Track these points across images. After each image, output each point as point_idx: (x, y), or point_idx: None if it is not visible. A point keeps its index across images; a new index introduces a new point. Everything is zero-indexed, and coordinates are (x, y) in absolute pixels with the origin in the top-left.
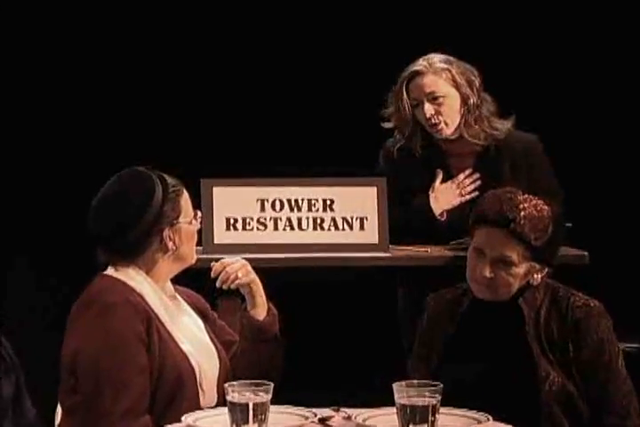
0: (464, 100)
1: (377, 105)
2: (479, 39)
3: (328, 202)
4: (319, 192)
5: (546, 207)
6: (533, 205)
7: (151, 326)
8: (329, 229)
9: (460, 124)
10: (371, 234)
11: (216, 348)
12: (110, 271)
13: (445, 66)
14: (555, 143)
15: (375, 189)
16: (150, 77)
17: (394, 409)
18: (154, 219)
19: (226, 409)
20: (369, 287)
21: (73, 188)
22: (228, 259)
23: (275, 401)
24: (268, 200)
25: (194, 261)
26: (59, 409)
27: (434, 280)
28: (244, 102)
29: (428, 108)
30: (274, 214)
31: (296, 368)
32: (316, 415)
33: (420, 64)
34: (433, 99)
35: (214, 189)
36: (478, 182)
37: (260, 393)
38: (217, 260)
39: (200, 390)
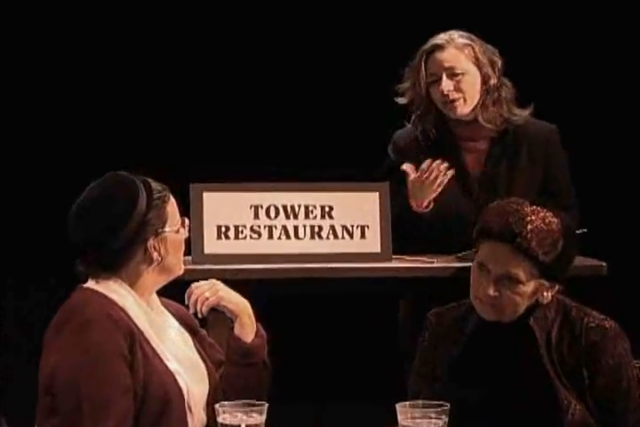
0: (484, 80)
1: (377, 106)
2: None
3: (327, 209)
4: (317, 198)
5: (555, 220)
6: (541, 218)
7: (134, 343)
8: (327, 238)
9: (476, 104)
10: (372, 243)
11: (206, 366)
12: (90, 284)
13: (468, 42)
14: (571, 144)
15: (377, 194)
16: (138, 76)
17: None
18: (137, 228)
19: None
20: (370, 300)
21: (57, 193)
22: (197, 282)
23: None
24: (262, 207)
25: (181, 273)
26: None
27: (439, 293)
28: (235, 102)
29: (446, 84)
30: (268, 222)
31: (291, 383)
32: None
33: (442, 38)
34: (452, 75)
35: (204, 194)
36: (450, 172)
37: (254, 414)
38: (207, 271)
39: (188, 412)
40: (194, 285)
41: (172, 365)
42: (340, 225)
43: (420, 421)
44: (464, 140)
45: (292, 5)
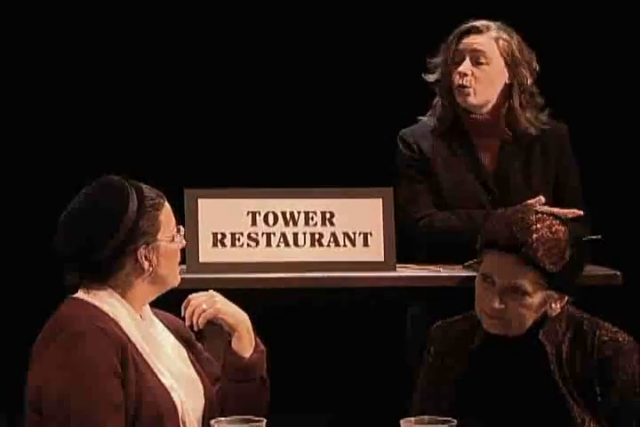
0: (515, 79)
1: (377, 108)
2: None
3: (327, 215)
4: (317, 204)
5: (562, 228)
6: (547, 226)
7: (126, 357)
8: (328, 246)
9: (497, 103)
10: (375, 251)
11: (201, 381)
12: (80, 294)
13: (506, 36)
14: (585, 150)
15: (380, 200)
16: (136, 81)
17: None
18: (126, 236)
19: None
20: (373, 311)
21: (50, 199)
22: (195, 293)
23: None
24: (259, 213)
25: (177, 283)
26: None
27: (446, 303)
28: (232, 106)
29: (466, 66)
30: (266, 229)
31: (290, 398)
32: None
33: (483, 23)
34: (476, 61)
35: (200, 200)
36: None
37: None
38: (202, 280)
39: None
40: (191, 296)
41: (166, 380)
42: (342, 232)
43: None
44: (478, 137)
45: (294, 16)
